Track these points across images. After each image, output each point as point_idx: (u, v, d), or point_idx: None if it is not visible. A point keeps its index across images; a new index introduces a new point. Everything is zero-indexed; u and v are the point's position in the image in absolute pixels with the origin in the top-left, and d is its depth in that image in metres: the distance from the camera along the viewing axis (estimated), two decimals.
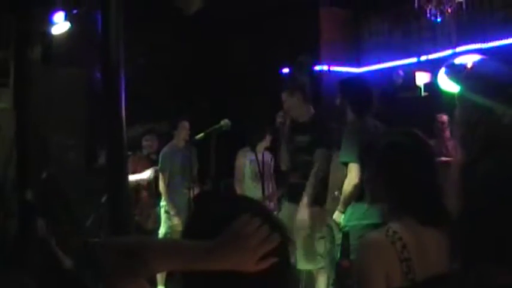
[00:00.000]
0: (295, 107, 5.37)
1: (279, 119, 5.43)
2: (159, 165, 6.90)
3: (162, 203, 6.93)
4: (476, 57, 2.30)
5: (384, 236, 2.03)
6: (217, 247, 1.26)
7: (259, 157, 6.13)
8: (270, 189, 6.64)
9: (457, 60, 2.26)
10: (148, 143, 7.29)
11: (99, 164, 7.25)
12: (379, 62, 9.60)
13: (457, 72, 2.22)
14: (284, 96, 5.40)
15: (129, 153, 4.91)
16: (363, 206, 4.05)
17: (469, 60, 2.23)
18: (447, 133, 7.09)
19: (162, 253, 1.29)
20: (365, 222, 4.02)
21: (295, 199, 5.07)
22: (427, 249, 2.03)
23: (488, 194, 1.91)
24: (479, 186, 1.95)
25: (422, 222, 2.06)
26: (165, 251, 1.31)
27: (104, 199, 5.54)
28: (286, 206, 5.38)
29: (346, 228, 4.29)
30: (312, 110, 5.44)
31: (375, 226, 3.87)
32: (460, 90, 2.24)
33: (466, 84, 2.22)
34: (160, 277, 6.29)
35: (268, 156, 6.68)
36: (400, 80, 9.10)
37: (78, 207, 5.88)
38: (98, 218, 6.19)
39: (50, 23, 7.29)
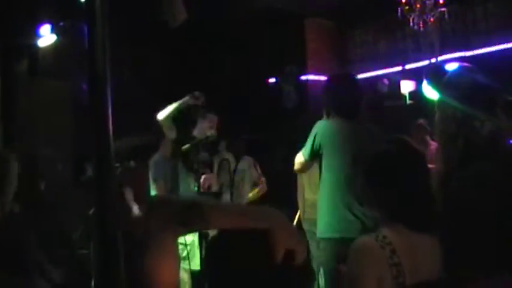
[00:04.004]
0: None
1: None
2: (152, 174, 6.87)
3: None
4: (455, 66, 2.33)
5: (374, 241, 2.06)
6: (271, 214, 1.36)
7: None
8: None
9: (437, 69, 2.29)
10: None
11: (87, 177, 7.23)
12: (364, 71, 9.66)
13: (436, 81, 2.25)
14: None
15: (117, 165, 4.92)
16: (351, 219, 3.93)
17: (448, 69, 2.26)
18: (427, 137, 6.97)
19: (218, 206, 1.40)
20: (338, 235, 3.91)
21: None
22: (417, 254, 2.05)
23: (467, 203, 1.94)
24: (458, 196, 1.97)
25: (413, 228, 2.08)
26: (222, 205, 1.44)
27: (91, 212, 5.53)
28: None
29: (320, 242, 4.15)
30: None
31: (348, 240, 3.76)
32: (439, 98, 2.28)
33: (444, 93, 2.25)
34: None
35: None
36: (385, 89, 9.16)
37: (66, 220, 5.87)
38: (86, 230, 6.17)
39: (37, 35, 7.29)
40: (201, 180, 6.19)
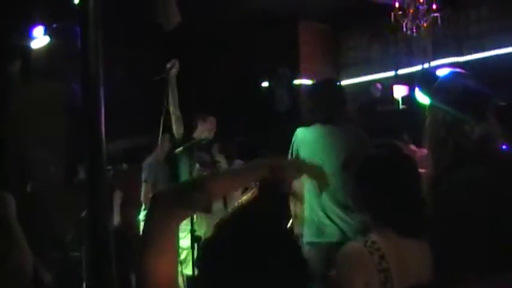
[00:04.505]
0: None
1: None
2: (144, 175, 6.87)
3: (144, 212, 6.89)
4: (446, 71, 2.34)
5: (362, 246, 2.05)
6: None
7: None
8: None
9: (428, 74, 2.31)
10: None
11: (79, 179, 7.21)
12: (357, 76, 9.70)
13: (427, 86, 2.26)
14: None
15: (109, 167, 4.92)
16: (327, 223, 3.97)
17: (439, 74, 2.28)
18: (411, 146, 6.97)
19: (215, 176, 1.49)
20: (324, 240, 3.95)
21: None
22: (406, 260, 2.04)
23: (458, 207, 1.94)
24: (449, 200, 1.98)
25: (402, 234, 2.08)
26: (218, 174, 1.48)
27: (83, 214, 5.52)
28: None
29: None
30: None
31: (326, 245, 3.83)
32: (430, 103, 2.29)
33: (434, 98, 2.26)
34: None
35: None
36: (378, 93, 9.18)
37: (59, 222, 5.85)
38: (78, 233, 6.16)
39: (30, 37, 7.27)
40: None
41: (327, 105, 4.12)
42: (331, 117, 4.08)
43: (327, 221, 3.95)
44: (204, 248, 1.45)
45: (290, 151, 4.14)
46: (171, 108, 5.85)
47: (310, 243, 3.99)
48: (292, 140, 4.15)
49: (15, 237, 2.82)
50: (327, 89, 4.31)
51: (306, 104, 4.44)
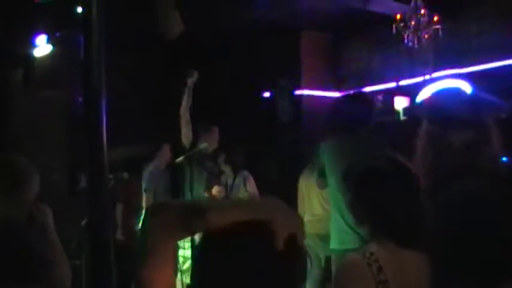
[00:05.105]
0: None
1: None
2: (144, 184, 6.87)
3: None
4: (436, 87, 2.41)
5: (360, 258, 2.05)
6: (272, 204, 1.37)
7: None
8: None
9: (428, 89, 2.39)
10: None
11: (81, 187, 7.22)
12: (358, 87, 9.70)
13: (420, 102, 2.33)
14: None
15: (110, 176, 4.92)
16: (348, 231, 4.06)
17: (429, 91, 2.35)
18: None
19: (217, 204, 1.38)
20: (345, 247, 4.05)
21: None
22: (405, 271, 2.04)
23: (451, 220, 1.95)
24: (445, 210, 1.99)
25: (400, 245, 2.09)
26: (220, 202, 1.36)
27: (84, 222, 5.52)
28: None
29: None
30: None
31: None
32: (420, 116, 2.34)
33: (425, 114, 2.31)
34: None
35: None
36: (379, 104, 9.19)
37: (60, 231, 5.84)
38: (80, 241, 6.15)
39: (33, 45, 7.30)
40: (217, 192, 6.28)
41: (351, 117, 4.27)
42: (355, 128, 4.24)
43: (348, 229, 4.05)
44: (197, 251, 1.45)
45: (317, 163, 4.44)
46: (182, 111, 5.93)
47: (334, 250, 4.23)
48: (319, 152, 4.42)
49: (59, 248, 2.84)
50: (351, 101, 4.49)
51: (332, 116, 4.58)
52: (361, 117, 4.30)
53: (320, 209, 5.96)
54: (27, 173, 2.92)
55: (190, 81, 5.91)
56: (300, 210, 6.28)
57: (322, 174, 4.34)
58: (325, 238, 5.67)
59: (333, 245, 4.27)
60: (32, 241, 2.70)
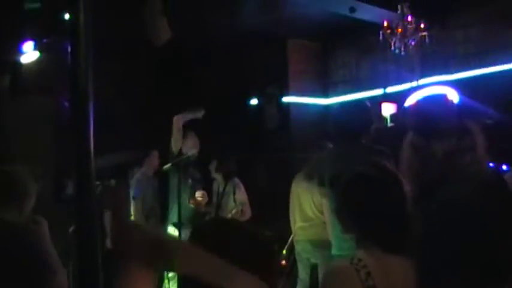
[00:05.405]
0: None
1: None
2: (132, 192, 6.82)
3: None
4: (422, 94, 2.44)
5: (348, 264, 2.06)
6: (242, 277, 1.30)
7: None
8: None
9: (414, 96, 2.42)
10: None
11: (67, 194, 7.18)
12: (346, 94, 9.74)
13: (405, 109, 2.35)
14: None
15: (97, 183, 4.89)
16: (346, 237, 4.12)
17: (415, 98, 2.37)
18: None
19: (189, 252, 1.32)
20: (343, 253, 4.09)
21: None
22: (392, 277, 2.05)
23: (434, 227, 1.96)
24: (427, 220, 2.00)
25: (388, 251, 2.10)
26: (194, 251, 1.32)
27: (71, 229, 5.49)
28: None
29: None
30: None
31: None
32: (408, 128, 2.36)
33: (410, 122, 2.33)
34: None
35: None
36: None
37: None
38: (66, 248, 6.12)
39: (19, 52, 7.27)
40: (200, 196, 6.30)
41: (351, 125, 4.30)
42: (355, 137, 4.28)
43: (346, 236, 4.07)
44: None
45: (316, 171, 4.49)
46: (175, 119, 6.01)
47: (335, 256, 4.22)
48: (318, 161, 4.54)
49: (56, 256, 2.84)
50: (347, 111, 4.61)
51: (333, 125, 4.68)
52: (362, 125, 4.35)
53: (312, 214, 5.97)
54: (24, 183, 2.93)
55: (199, 114, 6.05)
56: (291, 216, 6.28)
57: (323, 183, 4.36)
58: (317, 244, 5.68)
59: (334, 251, 4.29)
60: (36, 248, 2.70)
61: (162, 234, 1.38)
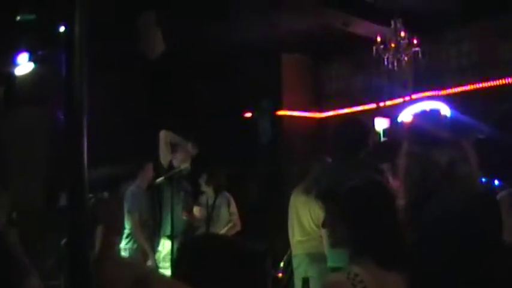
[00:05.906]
0: None
1: None
2: (127, 205, 6.75)
3: (126, 245, 6.74)
4: (415, 110, 2.48)
5: (345, 279, 2.06)
6: None
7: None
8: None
9: (407, 111, 2.45)
10: None
11: (60, 206, 7.15)
12: (339, 108, 9.77)
13: (399, 124, 2.38)
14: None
15: (90, 195, 4.88)
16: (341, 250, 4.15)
17: (408, 114, 2.41)
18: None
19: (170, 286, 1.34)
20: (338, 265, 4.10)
21: None
22: None
23: (432, 235, 1.97)
24: (424, 230, 2.01)
25: (383, 266, 2.10)
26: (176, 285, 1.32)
27: (63, 241, 5.47)
28: None
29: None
30: None
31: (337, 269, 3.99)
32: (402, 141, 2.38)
33: (405, 136, 2.35)
34: None
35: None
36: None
37: (38, 249, 5.79)
38: (58, 260, 6.09)
39: (14, 63, 7.27)
40: (197, 212, 6.33)
41: (347, 141, 4.39)
42: (353, 151, 4.34)
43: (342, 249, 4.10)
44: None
45: (314, 185, 4.60)
46: (162, 134, 6.04)
47: (332, 268, 4.21)
48: (317, 174, 4.62)
49: (26, 261, 2.84)
50: (346, 126, 4.68)
51: (330, 140, 4.86)
52: (360, 140, 4.42)
53: (309, 228, 5.95)
54: None
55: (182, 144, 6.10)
56: (290, 229, 6.26)
57: (320, 197, 4.44)
58: (315, 257, 5.66)
59: (329, 263, 4.32)
60: (12, 249, 2.71)
61: (146, 270, 1.38)
